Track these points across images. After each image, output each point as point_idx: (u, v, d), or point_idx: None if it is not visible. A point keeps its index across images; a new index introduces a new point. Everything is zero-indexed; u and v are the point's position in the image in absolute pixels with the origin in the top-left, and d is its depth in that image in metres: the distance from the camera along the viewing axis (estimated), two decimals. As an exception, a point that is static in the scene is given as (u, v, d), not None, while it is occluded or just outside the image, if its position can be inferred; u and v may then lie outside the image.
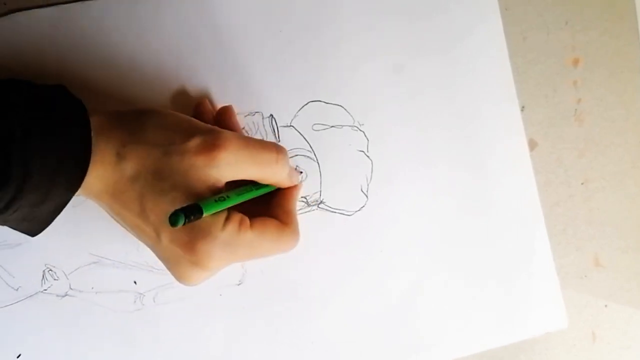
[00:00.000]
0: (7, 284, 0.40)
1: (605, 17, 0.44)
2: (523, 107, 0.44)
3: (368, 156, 0.42)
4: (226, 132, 0.35)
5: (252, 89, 0.41)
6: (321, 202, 0.42)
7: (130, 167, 0.33)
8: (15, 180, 0.30)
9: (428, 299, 0.43)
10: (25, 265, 0.40)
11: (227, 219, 0.34)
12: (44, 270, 0.40)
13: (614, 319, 0.46)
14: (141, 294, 0.41)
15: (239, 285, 0.42)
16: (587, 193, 0.45)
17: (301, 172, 0.42)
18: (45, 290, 0.40)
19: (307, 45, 0.42)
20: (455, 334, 0.44)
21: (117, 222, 0.36)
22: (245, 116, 0.41)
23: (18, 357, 0.40)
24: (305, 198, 0.42)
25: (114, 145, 0.33)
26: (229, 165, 0.34)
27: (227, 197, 0.33)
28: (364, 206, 0.43)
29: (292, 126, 0.42)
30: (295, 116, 0.42)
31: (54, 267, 0.40)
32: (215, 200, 0.32)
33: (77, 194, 0.33)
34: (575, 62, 0.45)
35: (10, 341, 0.40)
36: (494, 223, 0.44)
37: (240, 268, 0.42)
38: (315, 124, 0.42)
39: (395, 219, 0.43)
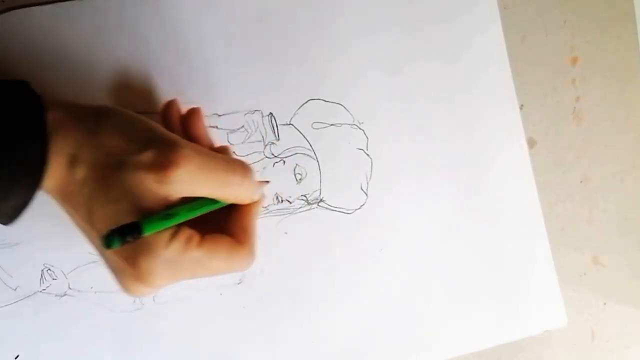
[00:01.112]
0: (5, 283, 0.40)
1: (604, 17, 0.45)
2: (522, 105, 0.44)
3: (368, 154, 0.42)
4: (185, 147, 0.32)
5: (251, 87, 0.41)
6: (321, 200, 0.42)
7: (81, 170, 0.32)
8: None
9: (427, 297, 0.43)
10: (24, 264, 0.40)
11: (174, 235, 0.32)
12: (42, 270, 0.40)
13: (613, 318, 0.46)
14: (140, 293, 0.41)
15: (238, 284, 0.42)
16: (586, 192, 0.46)
17: (268, 182, 0.41)
18: (43, 290, 0.40)
19: (307, 43, 0.42)
20: (454, 332, 0.44)
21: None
22: (245, 114, 0.41)
23: (16, 357, 0.40)
24: (305, 196, 0.42)
25: (69, 145, 0.32)
26: (182, 183, 0.32)
27: (175, 214, 0.32)
28: (363, 204, 0.43)
29: (292, 124, 0.42)
30: (294, 114, 0.42)
31: (53, 266, 0.40)
32: (159, 219, 0.31)
33: None
34: (574, 61, 0.45)
35: (8, 341, 0.40)
36: (493, 222, 0.44)
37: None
38: (314, 122, 0.42)
39: (394, 217, 0.43)
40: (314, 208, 0.42)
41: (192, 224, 0.33)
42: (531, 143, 0.45)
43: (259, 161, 0.41)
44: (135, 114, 0.35)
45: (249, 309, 0.42)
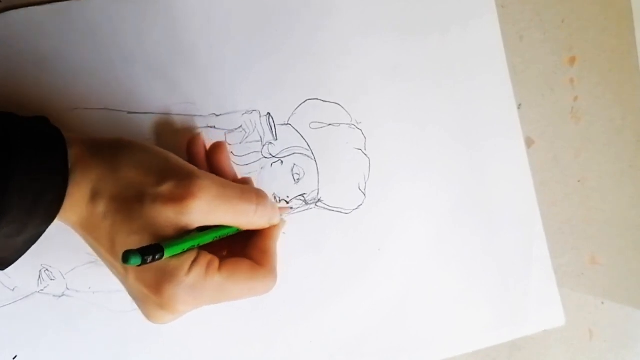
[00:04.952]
0: (3, 284, 0.40)
1: (601, 16, 0.45)
2: (520, 105, 0.44)
3: (365, 154, 0.42)
4: (202, 179, 0.33)
5: (249, 87, 0.41)
6: (319, 200, 0.42)
7: (103, 204, 0.33)
8: None
9: (425, 297, 0.43)
10: (22, 265, 0.39)
11: (195, 261, 0.33)
12: (40, 271, 0.40)
13: (611, 317, 0.46)
14: (138, 293, 0.41)
15: (236, 284, 0.42)
16: (584, 191, 0.46)
17: (292, 208, 0.42)
18: (41, 290, 0.40)
19: (304, 43, 0.41)
20: (452, 331, 0.44)
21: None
22: (243, 114, 0.41)
23: (14, 358, 0.40)
24: (303, 196, 0.42)
25: (90, 179, 0.33)
26: (200, 213, 0.33)
27: (193, 237, 0.33)
28: (361, 204, 0.43)
29: (290, 124, 0.42)
30: (292, 114, 0.42)
31: (51, 267, 0.40)
32: (179, 242, 0.31)
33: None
34: (572, 60, 0.45)
35: (6, 342, 0.40)
36: (491, 221, 0.44)
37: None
38: (312, 122, 0.42)
39: (392, 217, 0.43)
40: (311, 208, 0.42)
41: (214, 249, 0.34)
42: (529, 142, 0.45)
43: (256, 161, 0.41)
44: (150, 145, 0.36)
45: (246, 308, 0.42)
